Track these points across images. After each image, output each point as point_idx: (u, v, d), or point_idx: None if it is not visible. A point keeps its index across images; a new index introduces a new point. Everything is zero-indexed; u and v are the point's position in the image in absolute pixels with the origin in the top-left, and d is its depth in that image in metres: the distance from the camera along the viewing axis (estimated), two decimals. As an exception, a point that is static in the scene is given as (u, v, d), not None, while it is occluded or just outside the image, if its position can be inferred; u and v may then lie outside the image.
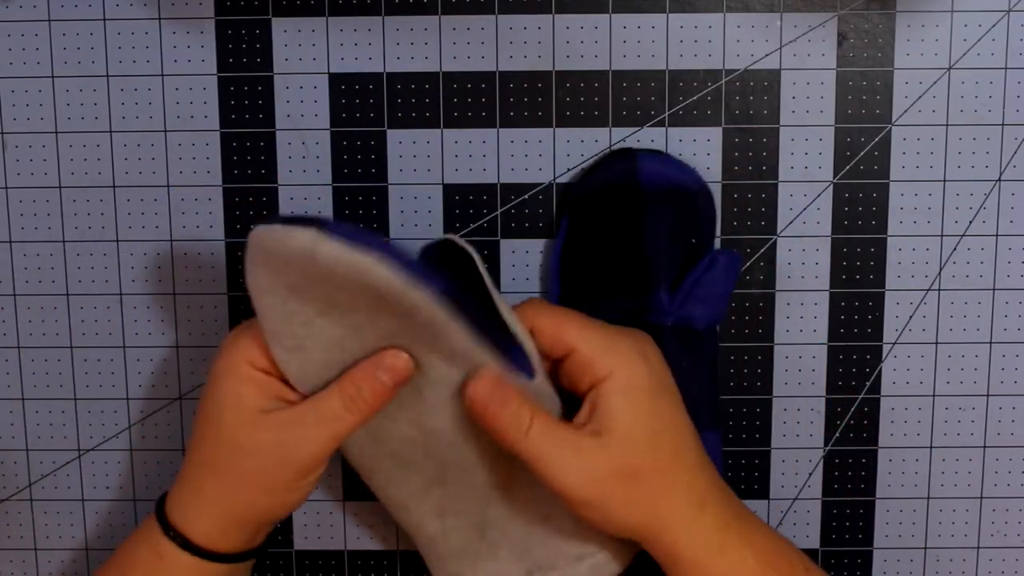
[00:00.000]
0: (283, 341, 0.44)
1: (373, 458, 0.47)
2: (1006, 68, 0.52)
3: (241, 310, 0.54)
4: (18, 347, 0.55)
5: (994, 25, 0.52)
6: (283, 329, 0.44)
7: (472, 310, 0.42)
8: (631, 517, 0.45)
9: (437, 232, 0.54)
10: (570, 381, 0.45)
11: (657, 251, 0.51)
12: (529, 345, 0.44)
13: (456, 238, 0.45)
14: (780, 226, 0.53)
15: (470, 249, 0.45)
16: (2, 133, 0.54)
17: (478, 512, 0.48)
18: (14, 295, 0.55)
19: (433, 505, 0.48)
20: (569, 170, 0.53)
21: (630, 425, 0.44)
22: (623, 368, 0.44)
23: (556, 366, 0.46)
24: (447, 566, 0.49)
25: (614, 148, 0.53)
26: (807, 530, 0.55)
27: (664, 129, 0.53)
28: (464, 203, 0.53)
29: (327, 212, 0.54)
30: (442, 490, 0.47)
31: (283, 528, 0.56)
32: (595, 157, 0.53)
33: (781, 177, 0.53)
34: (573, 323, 0.45)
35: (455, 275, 0.43)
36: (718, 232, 0.53)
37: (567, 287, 0.52)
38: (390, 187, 0.54)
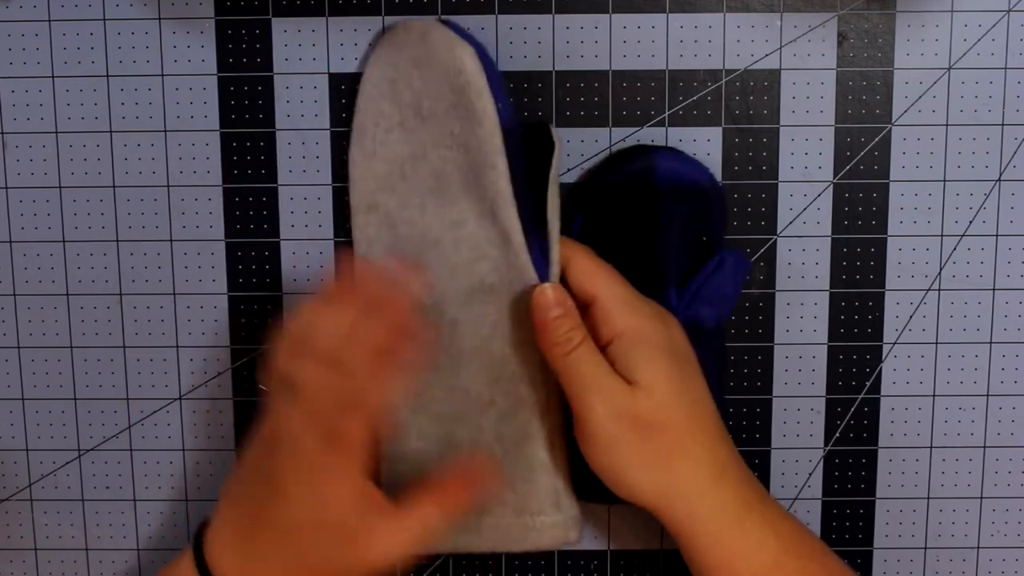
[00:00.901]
0: (363, 141, 0.50)
1: None
2: (1006, 68, 0.52)
3: (241, 309, 0.54)
4: (18, 347, 0.55)
5: (994, 25, 0.52)
6: (368, 128, 0.50)
7: (521, 172, 0.48)
8: (647, 475, 0.45)
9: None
10: (590, 331, 0.47)
11: (669, 249, 0.51)
12: (555, 250, 0.48)
13: (552, 126, 0.50)
14: (780, 226, 0.53)
15: (556, 138, 0.49)
16: (2, 133, 0.54)
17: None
18: (14, 295, 0.55)
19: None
20: (569, 170, 0.53)
21: (650, 378, 0.45)
22: (641, 324, 0.46)
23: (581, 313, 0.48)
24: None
25: (631, 145, 0.53)
26: (807, 530, 0.55)
27: (664, 129, 0.53)
28: (464, 203, 0.53)
29: (327, 212, 0.54)
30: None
31: (283, 528, 0.56)
32: (602, 153, 0.53)
33: (781, 177, 0.53)
34: (602, 274, 0.47)
35: (531, 149, 0.49)
36: (718, 232, 0.53)
37: None
38: (390, 187, 0.54)
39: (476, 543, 0.50)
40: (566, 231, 0.52)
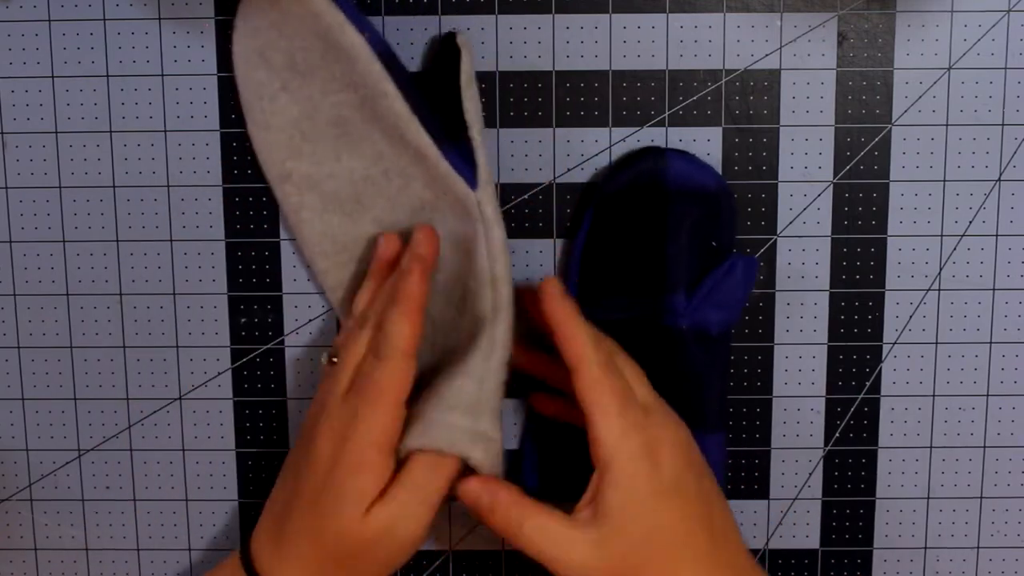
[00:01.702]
0: (254, 116, 0.50)
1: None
2: (1006, 68, 0.52)
3: (241, 309, 0.54)
4: (18, 347, 0.55)
5: (994, 25, 0.52)
6: (253, 102, 0.50)
7: (412, 89, 0.48)
8: None
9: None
10: (581, 423, 0.45)
11: (678, 253, 0.51)
12: (482, 155, 0.48)
13: (459, 34, 0.50)
14: (780, 226, 0.53)
15: (462, 42, 0.49)
16: (2, 133, 0.54)
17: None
18: (14, 295, 0.55)
19: None
20: (569, 170, 0.53)
21: (625, 523, 0.44)
22: (626, 466, 0.44)
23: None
24: None
25: (641, 147, 0.53)
26: (807, 530, 0.55)
27: (664, 129, 0.53)
28: (464, 203, 0.53)
29: (327, 212, 0.54)
30: None
31: (283, 528, 0.56)
32: (602, 153, 0.53)
33: (781, 177, 0.53)
34: (594, 389, 0.45)
35: (434, 61, 0.50)
36: (718, 232, 0.53)
37: (585, 281, 0.52)
38: (390, 187, 0.54)
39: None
40: (576, 231, 0.52)
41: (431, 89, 0.50)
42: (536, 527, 0.44)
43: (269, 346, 0.55)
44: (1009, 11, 0.52)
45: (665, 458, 0.45)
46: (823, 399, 0.54)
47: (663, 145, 0.53)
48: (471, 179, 0.48)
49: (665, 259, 0.51)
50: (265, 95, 0.50)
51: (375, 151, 0.50)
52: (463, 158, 0.48)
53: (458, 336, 0.50)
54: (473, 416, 0.46)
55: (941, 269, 0.54)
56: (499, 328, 0.47)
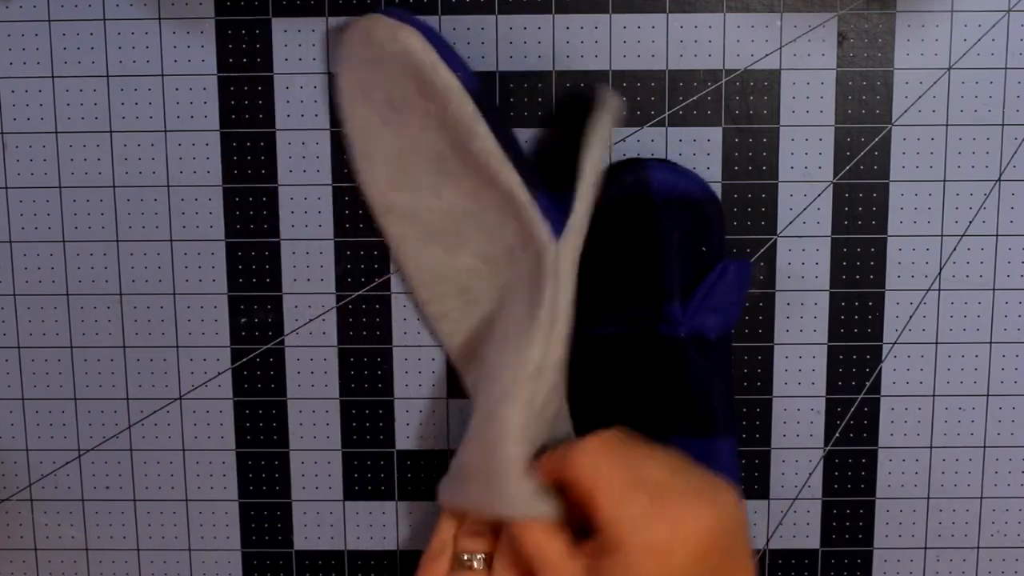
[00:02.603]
0: (359, 148, 0.51)
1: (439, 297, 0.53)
2: (1006, 68, 0.52)
3: (241, 309, 0.54)
4: (18, 347, 0.55)
5: (994, 25, 0.52)
6: (357, 135, 0.51)
7: (497, 117, 0.48)
8: None
9: (437, 232, 0.54)
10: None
11: (669, 262, 0.51)
12: (582, 206, 0.47)
13: (610, 93, 0.50)
14: (780, 226, 0.53)
15: (607, 95, 0.49)
16: (2, 133, 0.54)
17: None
18: (14, 295, 0.55)
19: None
20: (569, 170, 0.53)
21: None
22: (632, 558, 0.40)
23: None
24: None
25: (621, 159, 0.53)
26: (807, 530, 0.55)
27: (664, 129, 0.53)
28: (464, 203, 0.53)
29: (327, 212, 0.54)
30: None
31: (283, 528, 0.56)
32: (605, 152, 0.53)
33: (781, 177, 0.53)
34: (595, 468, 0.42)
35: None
36: (718, 232, 0.53)
37: (579, 300, 0.52)
38: (390, 187, 0.54)
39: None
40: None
41: (550, 134, 0.51)
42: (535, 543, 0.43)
43: (269, 346, 0.55)
44: (1009, 11, 0.52)
45: (677, 558, 0.40)
46: (823, 399, 0.54)
47: (661, 147, 0.53)
48: (559, 227, 0.47)
49: (657, 270, 0.51)
50: (367, 128, 0.51)
51: (473, 187, 0.50)
52: (555, 205, 0.48)
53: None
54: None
55: (941, 269, 0.54)
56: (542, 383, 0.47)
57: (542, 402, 0.46)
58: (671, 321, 0.51)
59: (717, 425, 0.52)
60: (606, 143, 0.48)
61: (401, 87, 0.49)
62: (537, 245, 0.48)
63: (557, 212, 0.48)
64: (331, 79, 0.53)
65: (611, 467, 0.41)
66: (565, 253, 0.47)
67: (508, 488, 0.44)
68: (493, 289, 0.51)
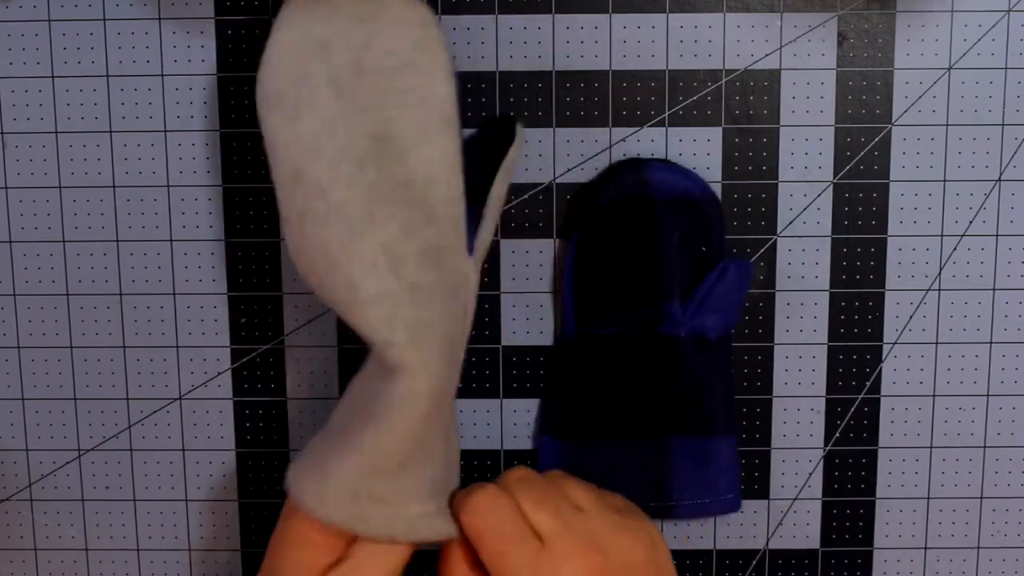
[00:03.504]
0: (285, 105, 0.44)
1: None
2: (1006, 68, 0.52)
3: (241, 309, 0.54)
4: (18, 347, 0.55)
5: (994, 25, 0.52)
6: (291, 91, 0.44)
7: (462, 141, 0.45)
8: None
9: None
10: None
11: (669, 262, 0.51)
12: (487, 231, 0.45)
13: (519, 122, 0.48)
14: (780, 226, 0.53)
15: (519, 129, 0.47)
16: (2, 133, 0.54)
17: None
18: (14, 295, 0.55)
19: None
20: (569, 170, 0.53)
21: None
22: None
23: None
24: None
25: (621, 159, 0.53)
26: (807, 530, 0.55)
27: (664, 129, 0.53)
28: (464, 203, 0.53)
29: (327, 212, 0.54)
30: None
31: (283, 528, 0.56)
32: (602, 153, 0.53)
33: (781, 177, 0.53)
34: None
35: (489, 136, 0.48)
36: (718, 232, 0.53)
37: (580, 299, 0.52)
38: (390, 187, 0.53)
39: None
40: (565, 251, 0.52)
41: (472, 153, 0.47)
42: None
43: (269, 346, 0.55)
44: (1009, 11, 0.52)
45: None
46: (823, 399, 0.54)
47: (661, 146, 0.53)
48: (470, 244, 0.45)
49: (658, 270, 0.51)
50: (308, 86, 0.44)
51: (407, 177, 0.44)
52: (470, 220, 0.45)
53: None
54: (436, 498, 0.44)
55: (941, 269, 0.54)
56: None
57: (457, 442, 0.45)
58: (671, 321, 0.51)
59: (717, 425, 0.52)
60: (510, 171, 0.47)
61: (383, 53, 0.44)
62: (458, 257, 0.44)
63: (470, 226, 0.45)
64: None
65: (497, 520, 0.42)
66: (475, 270, 0.45)
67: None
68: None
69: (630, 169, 0.51)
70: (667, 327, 0.51)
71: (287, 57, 0.44)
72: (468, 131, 0.51)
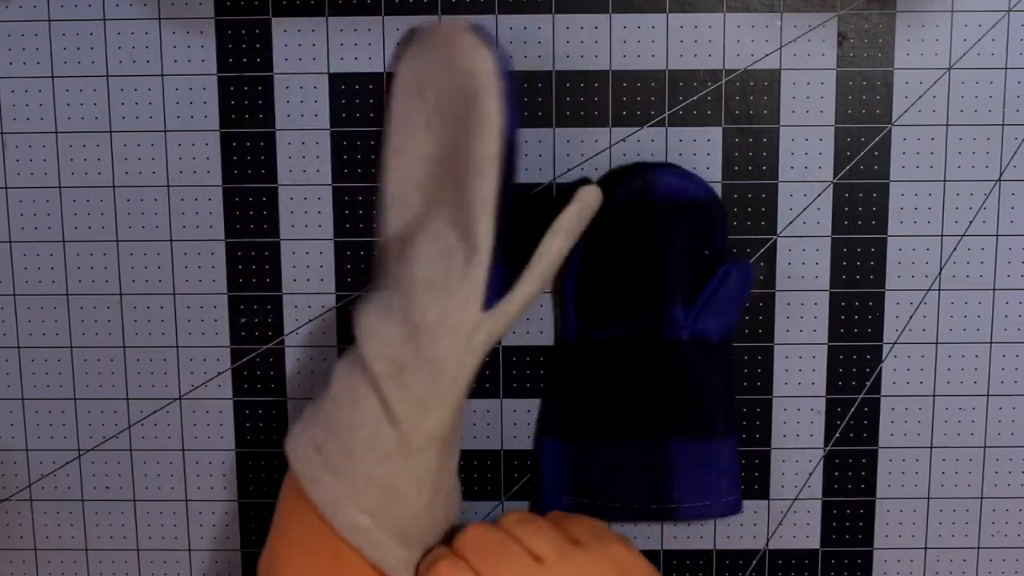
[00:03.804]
0: (395, 139, 0.51)
1: None
2: (1006, 68, 0.52)
3: (241, 309, 0.54)
4: (18, 347, 0.55)
5: (994, 25, 0.52)
6: (398, 127, 0.51)
7: (508, 191, 0.46)
8: None
9: (437, 232, 0.54)
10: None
11: (672, 265, 0.51)
12: (522, 289, 0.45)
13: (588, 184, 0.47)
14: (780, 226, 0.53)
15: (583, 190, 0.46)
16: (2, 133, 0.54)
17: None
18: (14, 295, 0.55)
19: None
20: (569, 170, 0.53)
21: None
22: None
23: None
24: None
25: (626, 163, 0.53)
26: (807, 530, 0.55)
27: (664, 129, 0.53)
28: (464, 203, 0.53)
29: (327, 212, 0.54)
30: None
31: (283, 528, 0.56)
32: (602, 153, 0.53)
33: (781, 177, 0.53)
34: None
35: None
36: (718, 232, 0.53)
37: (582, 302, 0.52)
38: (390, 187, 0.54)
39: None
40: (570, 253, 0.51)
41: (530, 208, 0.50)
42: None
43: (269, 346, 0.55)
44: (1009, 11, 0.52)
45: None
46: (823, 399, 0.54)
47: (661, 146, 0.53)
48: (492, 300, 0.45)
49: (661, 273, 0.51)
50: (408, 124, 0.50)
51: (449, 222, 0.47)
52: (500, 280, 0.45)
53: None
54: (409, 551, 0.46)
55: (941, 269, 0.54)
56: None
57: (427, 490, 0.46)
58: (673, 324, 0.51)
59: (717, 426, 0.52)
60: (570, 236, 0.46)
61: (452, 101, 0.48)
62: (467, 301, 0.45)
63: (499, 286, 0.45)
64: (333, 80, 0.53)
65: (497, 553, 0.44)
66: (486, 327, 0.45)
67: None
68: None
69: (635, 173, 0.51)
70: (669, 330, 0.51)
71: (398, 94, 0.51)
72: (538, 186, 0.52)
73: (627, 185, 0.51)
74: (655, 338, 0.51)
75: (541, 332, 0.54)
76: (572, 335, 0.53)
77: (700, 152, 0.53)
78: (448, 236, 0.46)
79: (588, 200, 0.46)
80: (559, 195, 0.53)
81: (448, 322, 0.44)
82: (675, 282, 0.51)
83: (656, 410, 0.52)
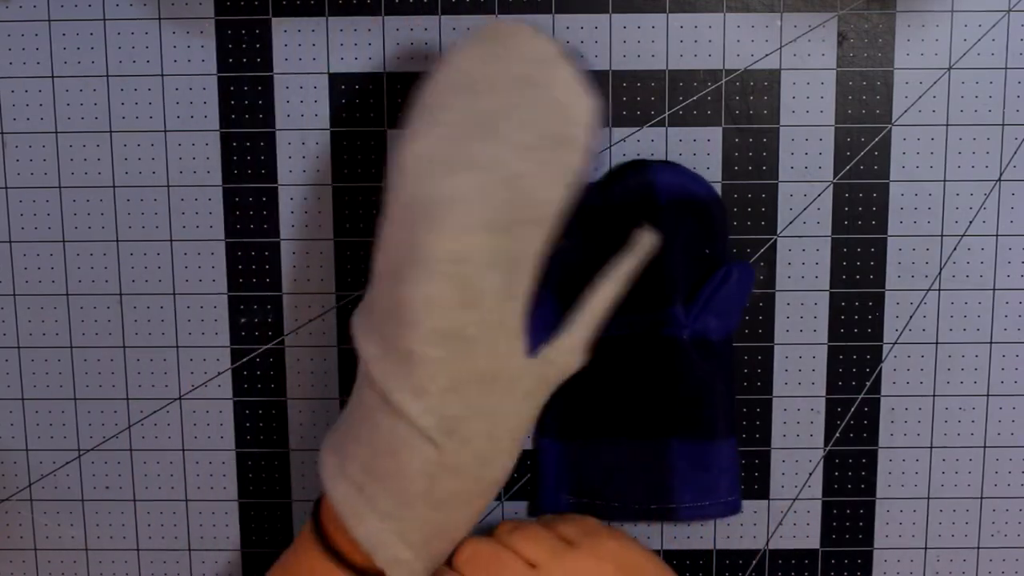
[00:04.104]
0: (416, 123, 0.43)
1: None
2: (1006, 68, 0.52)
3: (241, 309, 0.54)
4: (18, 347, 0.55)
5: (994, 25, 0.52)
6: (429, 113, 0.43)
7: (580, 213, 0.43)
8: None
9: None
10: None
11: (673, 265, 0.51)
12: (572, 334, 0.44)
13: (646, 234, 0.46)
14: (780, 226, 0.53)
15: (642, 238, 0.46)
16: (2, 133, 0.54)
17: None
18: (14, 295, 0.55)
19: None
20: (569, 170, 0.53)
21: None
22: None
23: None
24: None
25: (625, 160, 0.53)
26: (807, 530, 0.55)
27: (664, 129, 0.53)
28: (464, 203, 0.53)
29: (327, 212, 0.54)
30: None
31: (283, 527, 0.56)
32: (601, 153, 0.53)
33: (781, 177, 0.53)
34: None
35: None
36: (718, 232, 0.53)
37: None
38: (390, 187, 0.54)
39: None
40: (564, 249, 0.51)
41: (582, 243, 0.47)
42: None
43: (269, 346, 0.55)
44: (1009, 11, 0.52)
45: None
46: (823, 399, 0.54)
47: (661, 146, 0.53)
48: (537, 342, 0.43)
49: (661, 273, 0.51)
50: (440, 119, 0.43)
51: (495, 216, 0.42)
52: (546, 319, 0.44)
53: None
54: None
55: (941, 269, 0.54)
56: None
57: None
58: (674, 323, 0.51)
59: (717, 427, 0.52)
60: (625, 284, 0.45)
61: (514, 106, 0.42)
62: (498, 336, 0.42)
63: (545, 326, 0.44)
64: (333, 80, 0.53)
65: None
66: (531, 372, 0.43)
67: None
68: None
69: (635, 170, 0.51)
70: (669, 329, 0.51)
71: (443, 79, 0.44)
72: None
73: (627, 182, 0.51)
74: (656, 337, 0.51)
75: (541, 332, 0.54)
76: None
77: (700, 152, 0.53)
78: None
79: (646, 248, 0.46)
80: (607, 217, 0.51)
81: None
82: (676, 281, 0.51)
83: (656, 410, 0.52)
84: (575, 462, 0.53)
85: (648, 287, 0.51)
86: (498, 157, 0.41)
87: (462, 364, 0.42)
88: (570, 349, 0.44)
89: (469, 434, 0.42)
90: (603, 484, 0.52)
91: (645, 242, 0.46)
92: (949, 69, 0.52)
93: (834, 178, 0.53)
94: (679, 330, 0.51)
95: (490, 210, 0.41)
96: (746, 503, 0.55)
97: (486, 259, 0.41)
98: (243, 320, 0.55)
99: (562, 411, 0.53)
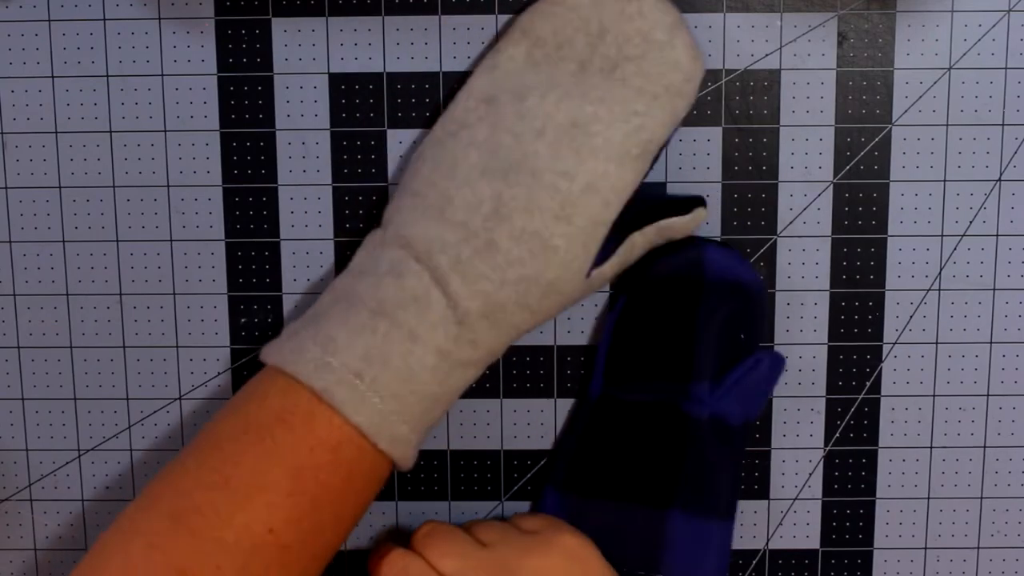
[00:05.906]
0: (452, 113, 0.49)
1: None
2: (1006, 68, 0.52)
3: (241, 309, 0.54)
4: (18, 347, 0.55)
5: (994, 25, 0.52)
6: (465, 106, 0.49)
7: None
8: None
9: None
10: None
11: (707, 342, 0.51)
12: (614, 263, 0.48)
13: (701, 207, 0.52)
14: (780, 226, 0.53)
15: (697, 210, 0.51)
16: (2, 133, 0.54)
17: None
18: (14, 295, 0.55)
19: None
20: (569, 170, 0.53)
21: None
22: None
23: None
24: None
25: (685, 237, 0.52)
26: (807, 530, 0.55)
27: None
28: (464, 203, 0.53)
29: (327, 212, 0.54)
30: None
31: (283, 528, 0.56)
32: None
33: (781, 177, 0.53)
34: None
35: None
36: (718, 234, 0.53)
37: (613, 360, 0.52)
38: (391, 187, 0.54)
39: None
40: (610, 311, 0.53)
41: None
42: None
43: (269, 346, 0.55)
44: (1009, 11, 0.52)
45: None
46: (823, 399, 0.54)
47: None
48: (592, 265, 0.48)
49: (693, 348, 0.50)
50: (473, 115, 0.48)
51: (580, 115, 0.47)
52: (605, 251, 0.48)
53: None
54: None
55: (941, 269, 0.54)
56: None
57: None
58: (696, 400, 0.51)
59: (717, 507, 0.51)
60: (665, 237, 0.51)
61: (589, 49, 0.48)
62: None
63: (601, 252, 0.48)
64: (333, 80, 0.53)
65: None
66: (580, 289, 0.48)
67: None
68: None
69: (687, 246, 0.51)
70: (690, 406, 0.51)
71: (502, 62, 0.49)
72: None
73: (677, 256, 0.51)
74: (675, 410, 0.51)
75: (541, 332, 0.54)
76: (597, 391, 0.53)
77: (700, 152, 0.53)
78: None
79: (698, 219, 0.51)
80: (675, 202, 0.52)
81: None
82: (706, 360, 0.51)
83: (661, 480, 0.51)
84: (571, 515, 0.52)
85: (677, 357, 0.51)
86: (623, 96, 0.47)
87: (535, 268, 0.46)
88: (606, 277, 0.49)
89: (504, 324, 0.46)
90: (595, 542, 0.51)
91: (700, 214, 0.51)
92: (949, 69, 0.52)
93: (834, 178, 0.53)
94: (700, 408, 0.51)
95: (617, 141, 0.46)
96: (746, 503, 0.55)
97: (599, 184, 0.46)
98: (243, 320, 0.55)
99: (569, 463, 0.53)
